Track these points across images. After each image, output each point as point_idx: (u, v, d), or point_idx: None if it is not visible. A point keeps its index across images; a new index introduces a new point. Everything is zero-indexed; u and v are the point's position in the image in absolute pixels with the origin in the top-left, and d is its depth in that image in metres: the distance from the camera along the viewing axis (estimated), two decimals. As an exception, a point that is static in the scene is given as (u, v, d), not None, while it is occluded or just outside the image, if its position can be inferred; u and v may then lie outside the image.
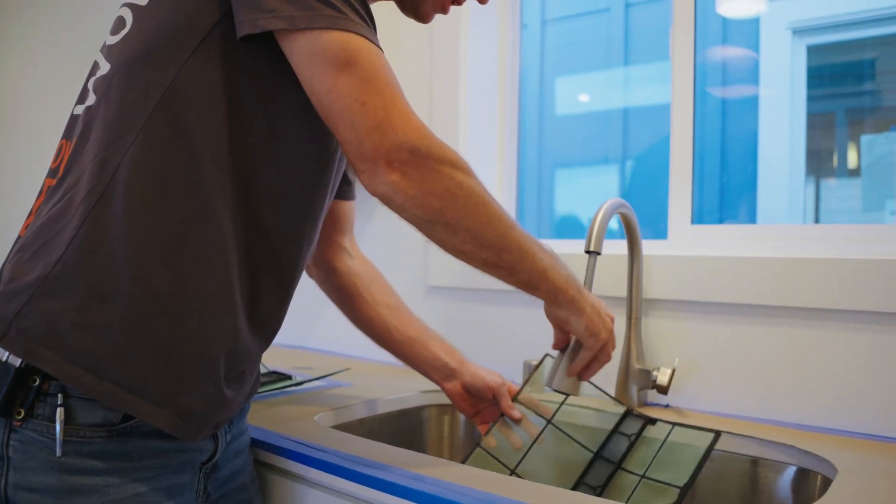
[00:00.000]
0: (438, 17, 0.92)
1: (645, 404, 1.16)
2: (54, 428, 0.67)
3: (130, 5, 0.77)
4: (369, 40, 0.71)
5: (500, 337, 1.41)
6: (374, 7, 0.93)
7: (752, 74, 2.69)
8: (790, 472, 0.94)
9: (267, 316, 0.83)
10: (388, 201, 0.73)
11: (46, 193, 0.76)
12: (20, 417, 0.68)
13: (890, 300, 0.99)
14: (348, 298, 1.11)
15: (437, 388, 1.28)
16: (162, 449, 0.73)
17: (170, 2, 0.73)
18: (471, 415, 1.10)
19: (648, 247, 1.30)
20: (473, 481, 0.76)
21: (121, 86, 0.72)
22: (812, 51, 2.65)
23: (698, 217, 1.37)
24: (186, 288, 0.72)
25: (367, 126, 0.69)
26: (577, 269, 1.09)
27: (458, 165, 0.75)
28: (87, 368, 0.68)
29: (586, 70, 4.16)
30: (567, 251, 1.31)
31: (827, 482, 0.86)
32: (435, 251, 1.54)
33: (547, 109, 4.49)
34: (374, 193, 0.73)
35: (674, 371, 1.12)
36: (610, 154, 4.24)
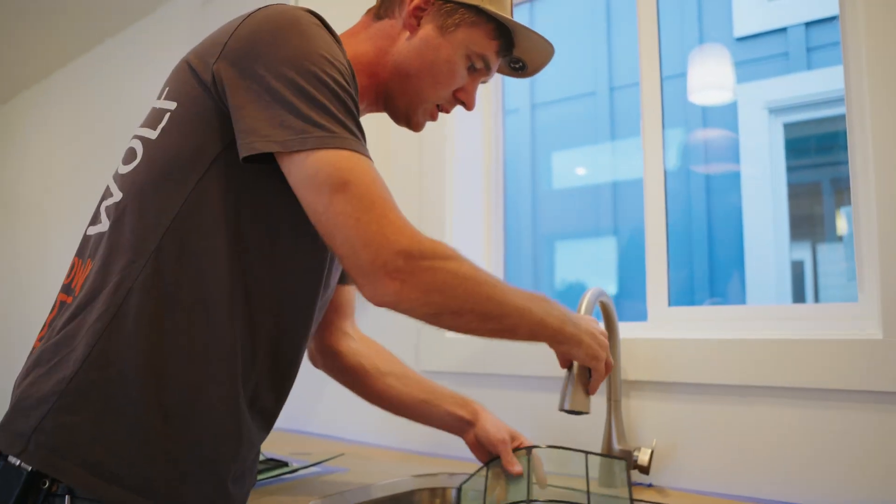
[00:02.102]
0: None
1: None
2: None
3: (141, 138, 0.84)
4: (360, 153, 0.77)
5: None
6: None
7: (733, 153, 2.80)
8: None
9: (267, 412, 0.89)
10: (394, 308, 0.77)
11: (59, 308, 0.83)
12: None
13: (860, 379, 1.04)
14: (356, 377, 1.17)
15: (430, 472, 1.32)
16: None
17: (177, 135, 0.80)
18: (486, 462, 1.17)
19: (628, 329, 1.36)
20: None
21: (133, 214, 0.80)
22: (789, 127, 2.77)
23: (690, 295, 1.44)
24: (193, 397, 0.78)
25: (362, 242, 0.74)
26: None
27: (449, 256, 0.80)
28: (100, 477, 0.73)
29: (576, 146, 4.32)
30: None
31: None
32: (427, 337, 1.60)
33: (542, 184, 4.63)
34: (378, 304, 0.77)
35: (653, 451, 1.16)
36: (602, 225, 4.35)
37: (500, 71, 1.05)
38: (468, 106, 1.01)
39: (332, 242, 0.76)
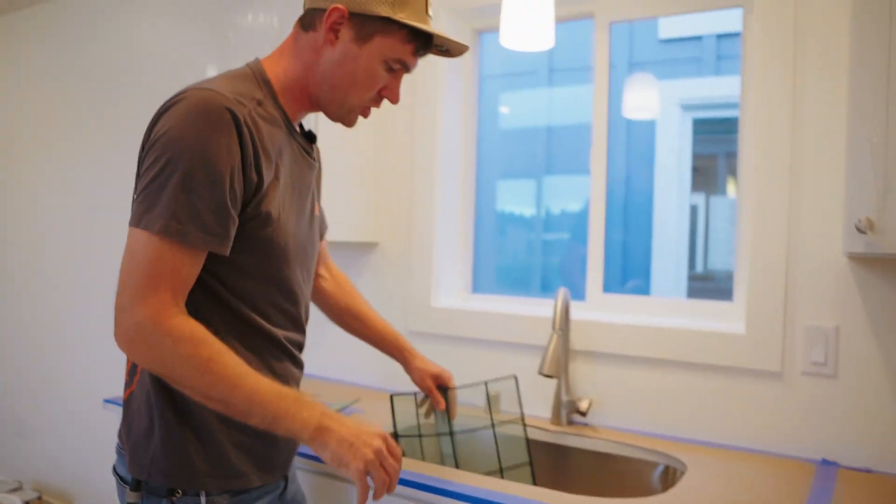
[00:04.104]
0: (423, 63, 1.33)
1: (571, 423, 1.71)
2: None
3: None
4: (158, 234, 0.93)
5: (468, 371, 1.92)
6: None
7: (650, 142, 3.31)
8: (660, 468, 1.51)
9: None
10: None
11: None
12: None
13: (728, 359, 1.56)
14: (328, 311, 1.51)
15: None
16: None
17: None
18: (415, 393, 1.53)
19: (574, 310, 1.83)
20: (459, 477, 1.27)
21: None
22: (697, 121, 3.30)
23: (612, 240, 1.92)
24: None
25: (120, 301, 0.94)
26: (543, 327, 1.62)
27: (183, 339, 0.94)
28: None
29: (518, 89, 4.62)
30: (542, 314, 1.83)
31: (681, 475, 1.43)
32: (412, 304, 2.02)
33: (486, 126, 4.95)
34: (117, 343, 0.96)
35: (590, 401, 1.67)
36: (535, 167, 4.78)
37: (432, 51, 1.15)
38: (392, 101, 1.14)
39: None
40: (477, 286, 2.19)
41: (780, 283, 1.52)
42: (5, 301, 3.46)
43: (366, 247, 2.15)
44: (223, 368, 0.95)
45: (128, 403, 1.10)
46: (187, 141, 0.94)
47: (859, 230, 1.19)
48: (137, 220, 0.95)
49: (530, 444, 1.60)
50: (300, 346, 1.21)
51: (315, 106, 1.14)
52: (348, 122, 1.14)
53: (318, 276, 1.49)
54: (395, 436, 1.53)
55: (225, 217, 0.97)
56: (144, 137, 1.01)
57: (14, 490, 3.22)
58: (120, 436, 1.11)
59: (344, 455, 0.98)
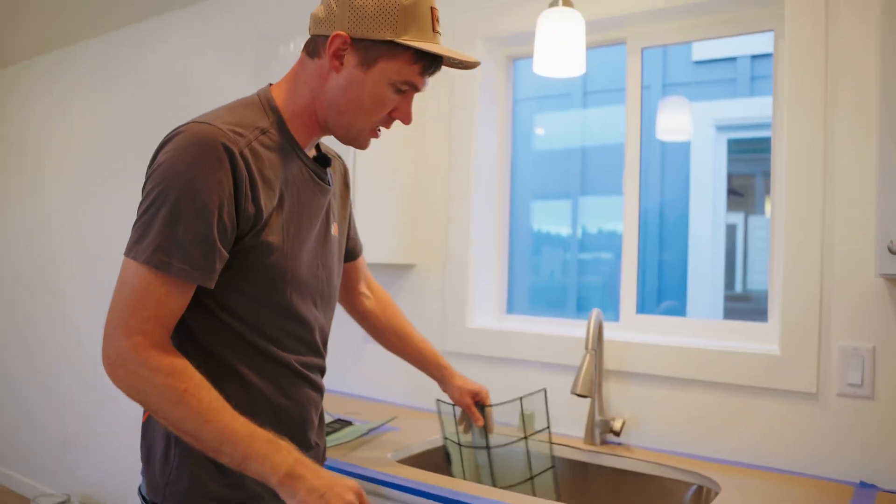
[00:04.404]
0: (458, 89, 1.37)
1: (605, 443, 1.72)
2: None
3: None
4: (150, 267, 0.95)
5: (502, 391, 1.94)
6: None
7: (685, 160, 3.31)
8: (693, 489, 1.51)
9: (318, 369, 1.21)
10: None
11: None
12: None
13: (763, 379, 1.57)
14: (370, 330, 1.55)
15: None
16: None
17: None
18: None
19: (608, 330, 1.85)
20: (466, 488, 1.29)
21: None
22: (732, 142, 3.30)
23: (642, 289, 1.94)
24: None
25: (107, 326, 0.97)
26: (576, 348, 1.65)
27: (160, 370, 0.95)
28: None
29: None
30: (573, 333, 1.86)
31: (715, 495, 1.43)
32: (449, 325, 2.06)
33: (520, 147, 4.98)
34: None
35: (624, 421, 1.69)
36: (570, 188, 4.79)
37: (444, 64, 1.11)
38: (404, 122, 1.13)
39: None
40: (512, 307, 2.22)
41: (815, 304, 1.52)
42: (55, 315, 3.59)
43: (402, 268, 2.20)
44: (197, 403, 0.95)
45: (146, 426, 1.12)
46: (178, 174, 0.96)
47: (892, 251, 1.20)
48: (129, 250, 0.98)
49: (554, 450, 1.64)
50: (320, 370, 1.22)
51: (324, 130, 1.14)
52: (359, 144, 1.14)
53: (360, 294, 1.52)
54: (445, 439, 1.61)
55: (211, 251, 0.98)
56: (147, 167, 1.03)
57: (61, 503, 3.32)
58: (141, 457, 1.13)
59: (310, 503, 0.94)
